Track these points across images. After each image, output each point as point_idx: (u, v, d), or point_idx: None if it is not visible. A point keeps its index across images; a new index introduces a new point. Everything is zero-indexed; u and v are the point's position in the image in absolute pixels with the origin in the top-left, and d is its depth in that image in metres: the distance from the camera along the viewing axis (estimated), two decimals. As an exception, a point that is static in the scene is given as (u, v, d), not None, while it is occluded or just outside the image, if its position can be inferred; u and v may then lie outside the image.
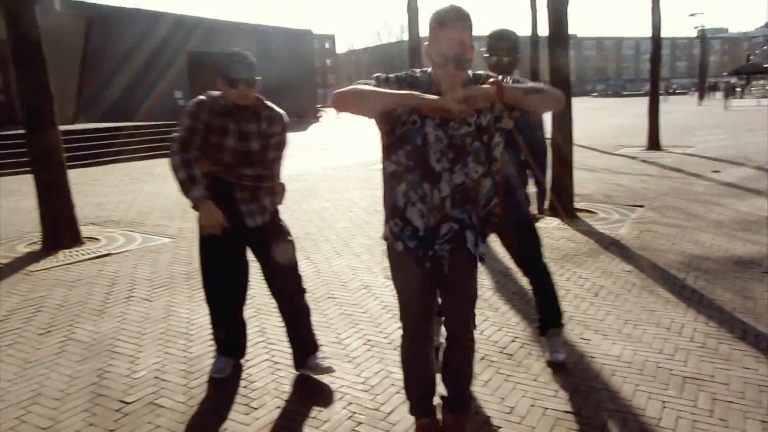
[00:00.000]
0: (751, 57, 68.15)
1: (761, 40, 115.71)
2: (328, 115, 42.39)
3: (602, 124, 26.35)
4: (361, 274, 5.30)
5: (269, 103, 3.21)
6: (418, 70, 2.31)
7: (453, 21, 2.12)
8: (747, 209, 7.67)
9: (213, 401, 3.14)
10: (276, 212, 3.26)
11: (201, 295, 3.55)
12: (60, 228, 6.42)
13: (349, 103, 2.16)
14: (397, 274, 2.48)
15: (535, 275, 3.57)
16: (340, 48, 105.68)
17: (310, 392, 3.22)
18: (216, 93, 3.08)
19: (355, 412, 2.99)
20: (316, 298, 4.67)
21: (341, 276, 5.28)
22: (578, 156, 12.28)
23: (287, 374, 3.42)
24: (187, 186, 2.92)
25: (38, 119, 6.24)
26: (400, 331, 2.54)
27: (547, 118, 4.44)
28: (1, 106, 17.83)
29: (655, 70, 15.02)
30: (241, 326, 3.49)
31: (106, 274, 5.47)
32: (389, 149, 2.36)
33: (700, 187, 9.46)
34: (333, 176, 11.94)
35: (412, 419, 2.79)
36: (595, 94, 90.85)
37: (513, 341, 3.84)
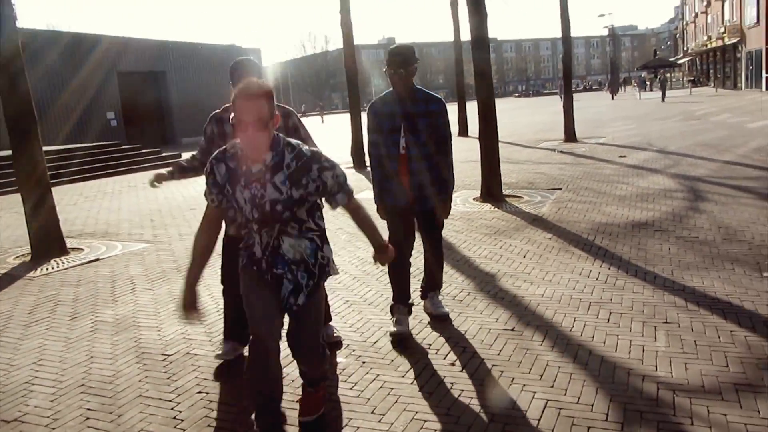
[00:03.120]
0: (657, 52, 72.73)
1: (666, 36, 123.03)
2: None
3: (524, 121, 28.12)
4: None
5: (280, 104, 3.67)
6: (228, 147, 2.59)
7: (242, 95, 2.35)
8: (646, 185, 9.05)
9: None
10: None
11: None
12: (48, 240, 7.06)
13: None
14: None
15: (436, 252, 4.24)
16: (267, 61, 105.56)
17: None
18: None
19: (349, 345, 3.95)
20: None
21: (312, 259, 6.19)
22: (504, 151, 13.56)
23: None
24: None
25: (25, 140, 6.89)
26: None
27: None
28: None
29: (567, 69, 16.59)
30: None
31: (104, 274, 6.20)
32: None
33: (609, 170, 10.87)
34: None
35: (390, 344, 3.78)
36: (517, 94, 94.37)
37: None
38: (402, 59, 3.85)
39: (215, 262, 3.59)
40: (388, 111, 3.94)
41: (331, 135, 30.75)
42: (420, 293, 4.43)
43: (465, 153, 14.44)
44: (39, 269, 6.58)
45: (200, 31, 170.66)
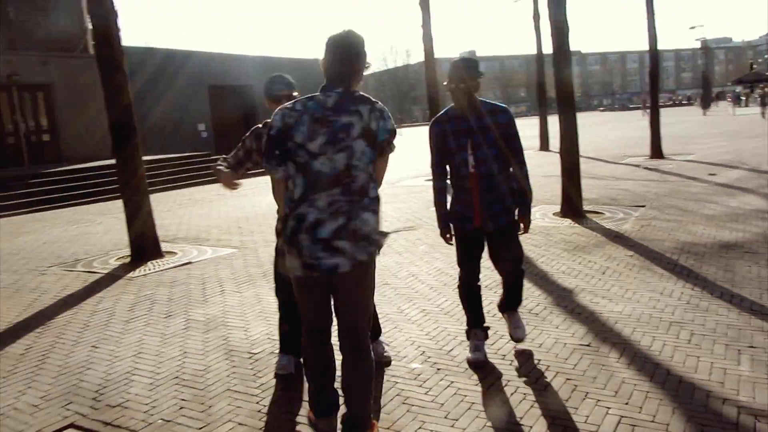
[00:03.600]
0: (754, 66, 69.09)
1: (764, 48, 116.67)
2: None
3: (609, 136, 27.41)
4: (406, 267, 6.38)
5: None
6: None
7: None
8: (736, 204, 8.71)
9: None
10: None
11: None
12: (146, 243, 7.57)
13: None
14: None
15: (515, 270, 3.97)
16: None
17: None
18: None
19: (425, 352, 4.07)
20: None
21: (390, 269, 6.35)
22: (586, 166, 13.34)
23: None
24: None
25: (127, 149, 7.43)
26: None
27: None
28: (11, 147, 19.04)
29: (654, 83, 16.13)
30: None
31: (195, 276, 6.59)
32: None
33: (696, 188, 10.50)
34: (362, 194, 13.05)
35: (464, 352, 3.86)
36: (601, 108, 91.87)
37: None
38: (463, 72, 3.70)
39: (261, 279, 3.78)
40: (451, 128, 3.76)
41: (407, 147, 31.02)
42: (498, 306, 4.20)
43: (546, 167, 14.28)
44: (137, 270, 7.06)
45: (285, 45, 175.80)
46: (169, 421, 3.34)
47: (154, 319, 5.18)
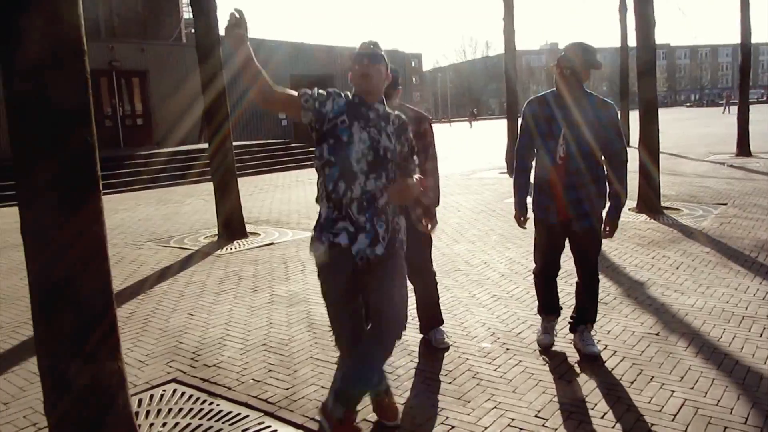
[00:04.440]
0: None
1: None
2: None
3: (694, 132, 26.44)
4: (479, 255, 6.56)
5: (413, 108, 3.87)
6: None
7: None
8: (826, 205, 8.39)
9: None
10: None
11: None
12: (233, 224, 8.07)
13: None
14: None
15: (591, 279, 3.85)
16: (427, 65, 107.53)
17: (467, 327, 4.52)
18: None
19: (494, 333, 4.27)
20: (447, 271, 5.96)
21: (463, 256, 6.55)
22: (668, 163, 13.07)
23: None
24: None
25: (219, 135, 7.94)
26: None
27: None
28: (109, 130, 20.23)
29: (745, 77, 15.51)
30: None
31: (278, 256, 7.00)
32: (316, 143, 2.78)
33: (785, 187, 10.13)
34: (436, 185, 13.26)
35: (533, 335, 4.04)
36: (688, 104, 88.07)
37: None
38: (575, 58, 3.49)
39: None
40: (546, 114, 3.60)
41: (480, 140, 30.91)
42: (569, 326, 3.99)
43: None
44: (225, 248, 7.55)
45: (367, 36, 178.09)
46: (259, 381, 3.69)
47: (241, 292, 5.60)
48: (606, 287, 5.20)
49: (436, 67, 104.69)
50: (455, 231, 7.93)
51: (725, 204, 8.87)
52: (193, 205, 11.75)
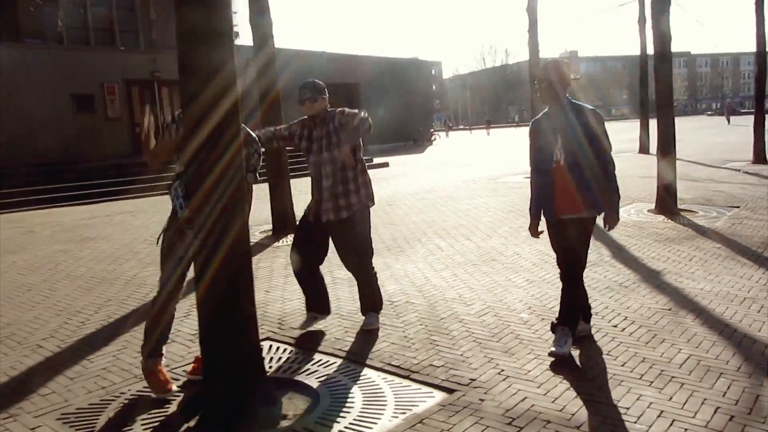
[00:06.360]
0: None
1: None
2: (440, 139, 44.88)
3: (712, 141, 26.98)
4: (512, 248, 7.34)
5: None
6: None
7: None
8: (832, 208, 9.05)
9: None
10: None
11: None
12: (285, 219, 8.92)
13: None
14: None
15: (569, 278, 4.09)
16: (446, 73, 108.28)
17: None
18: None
19: (531, 307, 5.05)
20: (484, 261, 6.75)
21: (497, 249, 7.34)
22: (685, 169, 13.75)
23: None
24: None
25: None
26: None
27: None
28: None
29: (760, 87, 16.11)
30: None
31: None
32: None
33: (795, 192, 10.79)
34: (464, 188, 14.07)
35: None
36: (709, 112, 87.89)
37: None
38: (544, 71, 3.95)
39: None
40: (544, 126, 4.04)
41: (500, 147, 31.63)
42: (551, 324, 4.20)
43: (643, 169, 14.74)
44: (281, 240, 8.41)
45: (387, 44, 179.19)
46: (339, 339, 4.51)
47: (305, 275, 6.42)
48: (626, 274, 5.96)
49: (455, 75, 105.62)
50: (488, 228, 8.72)
51: (738, 207, 9.56)
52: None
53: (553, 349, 3.96)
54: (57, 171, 16.74)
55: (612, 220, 3.99)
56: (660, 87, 9.58)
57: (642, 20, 20.70)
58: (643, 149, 21.16)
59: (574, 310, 4.07)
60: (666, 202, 9.34)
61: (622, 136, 27.84)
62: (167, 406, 3.57)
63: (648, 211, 9.49)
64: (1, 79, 17.53)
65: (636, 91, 28.78)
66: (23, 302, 6.00)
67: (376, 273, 4.82)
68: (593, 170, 3.89)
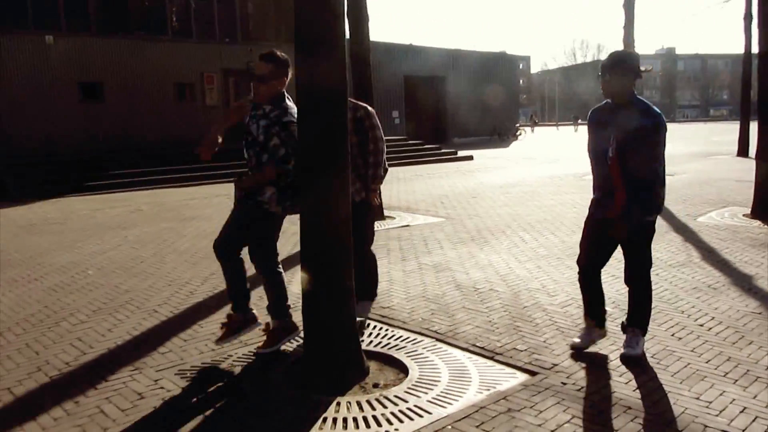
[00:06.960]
0: None
1: None
2: (526, 133, 44.34)
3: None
4: (597, 245, 7.35)
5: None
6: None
7: None
8: None
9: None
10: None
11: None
12: (373, 207, 9.25)
13: None
14: None
15: (636, 280, 3.99)
16: (535, 68, 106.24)
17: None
18: None
19: (613, 301, 5.12)
20: (568, 255, 6.82)
21: (582, 245, 7.36)
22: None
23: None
24: None
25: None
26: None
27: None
28: None
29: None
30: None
31: (416, 235, 8.10)
32: None
33: None
34: (549, 183, 14.00)
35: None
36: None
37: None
38: (608, 64, 3.73)
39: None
40: (602, 119, 3.88)
41: (584, 145, 30.86)
42: (621, 325, 4.12)
43: (740, 172, 14.18)
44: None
45: (475, 39, 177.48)
46: (426, 319, 4.76)
47: (393, 260, 6.72)
48: (715, 276, 5.90)
49: (544, 69, 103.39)
50: (573, 224, 8.73)
51: (843, 215, 9.10)
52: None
53: (624, 350, 3.94)
54: (159, 155, 17.83)
55: (620, 227, 3.73)
56: (762, 88, 9.23)
57: (748, 17, 19.72)
58: (743, 152, 20.24)
59: (643, 311, 3.98)
60: (764, 206, 9.01)
61: (719, 138, 26.65)
62: (269, 371, 3.93)
63: (743, 215, 9.20)
64: (112, 69, 18.81)
65: (737, 92, 27.47)
66: (138, 273, 6.60)
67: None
68: (642, 177, 3.69)
